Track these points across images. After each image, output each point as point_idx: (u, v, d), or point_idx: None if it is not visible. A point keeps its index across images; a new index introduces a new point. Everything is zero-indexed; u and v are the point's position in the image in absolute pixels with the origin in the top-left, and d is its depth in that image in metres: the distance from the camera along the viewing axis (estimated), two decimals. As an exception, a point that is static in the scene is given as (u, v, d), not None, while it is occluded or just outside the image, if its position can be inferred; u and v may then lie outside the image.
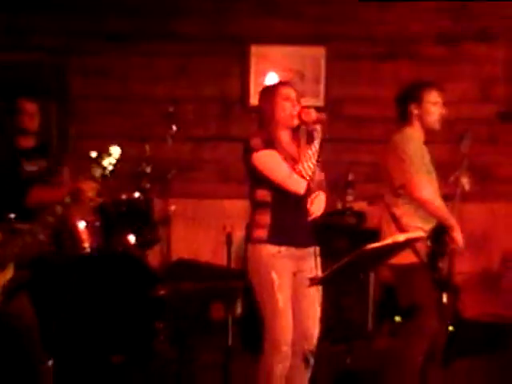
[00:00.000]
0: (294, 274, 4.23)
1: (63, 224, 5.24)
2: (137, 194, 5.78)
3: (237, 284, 5.29)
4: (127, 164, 5.96)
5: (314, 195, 4.22)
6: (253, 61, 6.82)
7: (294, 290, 4.21)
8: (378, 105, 6.82)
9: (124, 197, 5.72)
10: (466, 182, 4.92)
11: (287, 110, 4.22)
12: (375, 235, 4.79)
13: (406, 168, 4.57)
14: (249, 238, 4.26)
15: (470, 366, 5.36)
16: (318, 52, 6.86)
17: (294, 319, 4.17)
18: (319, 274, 4.21)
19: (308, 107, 4.22)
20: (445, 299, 4.68)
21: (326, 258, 4.41)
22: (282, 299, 4.14)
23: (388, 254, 4.14)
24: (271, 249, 4.17)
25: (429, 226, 4.58)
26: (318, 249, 4.32)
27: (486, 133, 6.77)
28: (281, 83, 4.49)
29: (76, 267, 5.26)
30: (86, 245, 5.41)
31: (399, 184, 4.60)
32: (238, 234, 4.97)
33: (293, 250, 4.21)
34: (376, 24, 6.87)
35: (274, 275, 4.15)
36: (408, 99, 4.75)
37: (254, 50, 6.82)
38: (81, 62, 6.72)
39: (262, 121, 4.30)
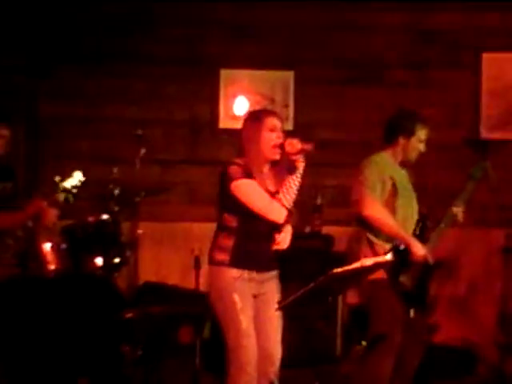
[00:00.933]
0: (255, 297, 4.23)
1: (28, 246, 5.20)
2: (105, 217, 5.75)
3: (205, 307, 5.26)
4: (95, 186, 6.02)
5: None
6: (222, 84, 6.83)
7: (255, 313, 4.21)
8: (347, 129, 6.87)
9: (91, 219, 5.69)
10: (459, 212, 4.93)
11: (271, 141, 4.17)
12: (343, 259, 4.81)
13: (360, 188, 4.72)
14: (211, 261, 4.25)
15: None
16: (287, 76, 6.90)
17: (256, 341, 4.16)
18: (278, 297, 4.24)
19: (292, 136, 4.18)
20: (412, 314, 4.71)
21: (294, 281, 4.42)
22: (245, 321, 4.13)
23: (356, 277, 4.16)
24: (233, 272, 4.16)
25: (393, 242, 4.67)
26: (277, 272, 4.34)
27: (453, 158, 6.82)
28: (267, 112, 4.40)
29: (41, 289, 5.21)
30: (52, 267, 5.35)
31: (352, 201, 4.77)
32: (206, 257, 4.97)
33: (254, 274, 4.21)
34: (345, 49, 6.92)
35: (236, 297, 4.14)
36: (400, 129, 4.83)
37: (224, 73, 6.84)
38: (50, 84, 6.69)
39: (242, 148, 4.23)
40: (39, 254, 5.30)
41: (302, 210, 6.21)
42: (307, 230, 6.40)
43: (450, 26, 6.93)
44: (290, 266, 5.81)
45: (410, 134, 4.82)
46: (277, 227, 4.22)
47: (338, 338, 5.86)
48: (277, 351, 4.27)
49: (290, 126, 6.82)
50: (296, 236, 6.02)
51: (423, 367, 4.94)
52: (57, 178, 3.84)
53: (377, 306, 4.71)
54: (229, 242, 4.18)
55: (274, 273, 4.33)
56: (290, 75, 6.89)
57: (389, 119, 4.95)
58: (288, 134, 4.24)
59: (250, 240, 4.20)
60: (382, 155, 4.87)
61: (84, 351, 5.23)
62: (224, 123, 6.84)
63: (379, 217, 4.69)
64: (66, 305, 5.22)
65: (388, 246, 4.67)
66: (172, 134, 6.83)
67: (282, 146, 4.16)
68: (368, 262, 3.95)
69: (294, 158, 4.14)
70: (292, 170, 4.16)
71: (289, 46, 6.89)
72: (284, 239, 4.29)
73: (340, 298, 5.77)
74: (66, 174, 4.03)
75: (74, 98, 6.77)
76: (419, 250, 4.64)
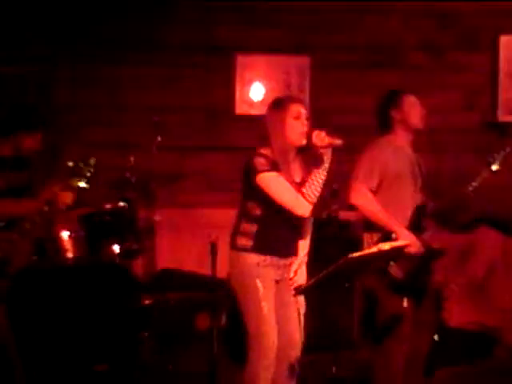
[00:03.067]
0: (277, 282, 4.23)
1: (46, 233, 5.22)
2: (122, 204, 5.76)
3: (222, 294, 5.28)
4: (112, 173, 6.04)
5: (295, 266, 4.28)
6: (238, 70, 6.82)
7: (277, 298, 4.21)
8: (363, 114, 6.81)
9: (108, 206, 5.70)
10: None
11: (297, 129, 4.12)
12: (360, 244, 4.81)
13: (354, 174, 4.71)
14: (233, 246, 4.24)
15: (453, 375, 5.35)
16: (304, 61, 6.88)
17: (278, 326, 4.17)
18: (304, 282, 4.23)
19: (320, 129, 4.10)
20: (405, 304, 4.68)
21: (312, 266, 4.41)
22: (267, 306, 4.14)
23: (373, 262, 4.16)
24: (255, 257, 4.16)
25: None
26: (305, 258, 4.33)
27: (470, 142, 6.79)
28: (291, 99, 4.29)
29: (60, 277, 5.23)
30: (70, 254, 5.38)
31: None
32: (223, 244, 4.97)
33: (276, 260, 4.20)
34: (361, 33, 6.89)
35: (258, 283, 4.15)
36: (388, 106, 4.79)
37: (240, 59, 6.82)
38: (67, 72, 6.70)
39: (267, 137, 4.17)
40: (57, 241, 5.34)
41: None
42: (324, 215, 6.38)
43: (468, 8, 6.89)
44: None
45: (398, 105, 4.78)
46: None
47: (356, 323, 5.86)
48: (298, 336, 4.28)
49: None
50: (313, 221, 6.06)
51: (440, 352, 4.94)
52: (70, 163, 3.83)
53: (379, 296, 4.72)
54: (252, 228, 4.17)
55: (295, 258, 4.32)
56: (306, 60, 6.87)
57: (375, 107, 4.91)
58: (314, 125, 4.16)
59: (273, 227, 4.19)
60: (390, 138, 4.82)
61: (102, 338, 5.26)
62: (240, 109, 6.83)
63: (365, 206, 4.66)
64: (84, 292, 5.25)
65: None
66: (189, 121, 6.83)
67: (308, 135, 4.10)
68: (385, 246, 3.94)
69: (321, 150, 4.08)
70: (318, 162, 4.10)
71: (305, 31, 6.87)
72: (301, 277, 4.31)
73: (357, 284, 5.77)
74: (80, 160, 4.03)
75: (91, 85, 6.77)
76: (407, 240, 4.54)
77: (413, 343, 4.70)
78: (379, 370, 4.71)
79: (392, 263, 4.58)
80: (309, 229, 4.41)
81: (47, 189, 3.95)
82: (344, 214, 6.37)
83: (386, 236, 4.60)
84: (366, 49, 6.90)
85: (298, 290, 4.15)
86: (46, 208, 3.72)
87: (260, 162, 4.10)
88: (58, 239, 5.34)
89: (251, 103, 6.80)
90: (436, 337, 5.06)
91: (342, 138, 4.10)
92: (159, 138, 6.14)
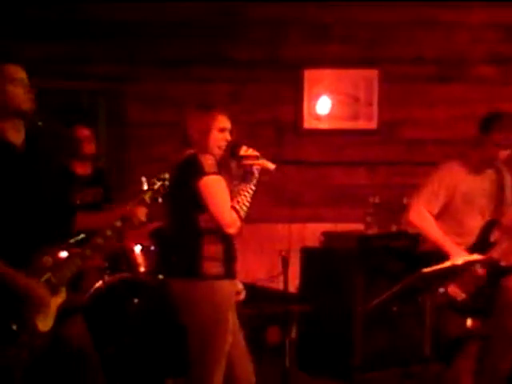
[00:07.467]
0: None
1: (119, 248, 5.31)
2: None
3: (292, 308, 5.29)
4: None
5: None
6: (306, 85, 6.83)
7: None
8: (431, 127, 6.81)
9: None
10: None
11: (219, 141, 3.92)
12: (429, 258, 4.77)
13: (419, 190, 4.79)
14: (198, 274, 3.79)
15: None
16: (371, 74, 6.86)
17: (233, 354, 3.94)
18: None
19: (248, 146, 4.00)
20: (469, 323, 4.63)
21: (380, 280, 4.40)
22: (228, 342, 3.86)
23: (447, 276, 4.14)
24: (229, 285, 3.87)
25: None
26: None
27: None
28: (218, 109, 4.04)
29: (136, 291, 5.29)
30: (142, 269, 5.46)
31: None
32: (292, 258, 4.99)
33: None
34: (428, 46, 6.86)
35: (229, 315, 3.84)
36: (490, 128, 4.75)
37: (307, 74, 6.83)
38: (136, 89, 6.79)
39: (188, 140, 3.93)
40: (130, 256, 5.42)
41: (388, 209, 6.26)
42: (393, 229, 6.35)
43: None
44: (376, 266, 5.83)
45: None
46: None
47: (426, 338, 5.81)
48: (249, 368, 4.09)
49: (374, 125, 6.80)
50: (382, 235, 6.05)
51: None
52: (144, 179, 3.88)
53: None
54: (218, 250, 3.83)
55: None
56: (373, 73, 6.86)
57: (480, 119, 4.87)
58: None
59: (231, 242, 3.92)
60: (454, 162, 4.79)
61: (173, 351, 5.30)
62: (308, 123, 6.85)
63: (419, 223, 4.73)
64: (158, 306, 5.29)
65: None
66: (256, 136, 6.85)
67: (235, 147, 3.95)
68: (459, 261, 3.92)
69: (250, 167, 3.93)
70: (247, 177, 3.94)
71: (372, 45, 6.86)
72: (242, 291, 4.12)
73: (428, 298, 5.72)
74: (154, 175, 4.08)
75: (159, 102, 6.85)
76: (457, 261, 4.50)
77: (490, 361, 4.64)
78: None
79: (451, 284, 4.53)
80: None
81: (122, 204, 4.02)
82: (413, 228, 6.36)
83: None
84: (434, 61, 6.86)
85: (367, 308, 4.10)
86: (118, 223, 3.75)
87: (208, 162, 3.78)
88: (131, 254, 5.42)
89: (319, 117, 6.82)
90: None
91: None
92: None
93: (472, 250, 4.65)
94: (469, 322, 4.62)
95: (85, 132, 5.52)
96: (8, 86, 3.61)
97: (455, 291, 4.56)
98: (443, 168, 4.79)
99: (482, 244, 4.68)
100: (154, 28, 6.82)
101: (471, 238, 4.71)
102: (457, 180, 4.72)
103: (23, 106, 3.60)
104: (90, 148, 5.51)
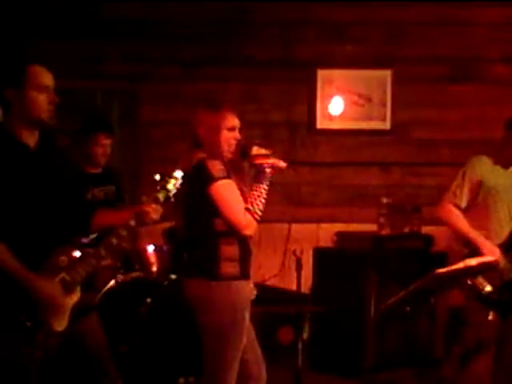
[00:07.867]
0: None
1: (132, 247, 5.31)
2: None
3: (305, 308, 5.29)
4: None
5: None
6: (319, 85, 6.82)
7: None
8: (445, 128, 6.79)
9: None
10: None
11: (229, 140, 3.92)
12: (443, 259, 4.78)
13: (450, 187, 4.83)
14: (215, 276, 3.81)
15: None
16: (384, 75, 6.85)
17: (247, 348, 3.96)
18: None
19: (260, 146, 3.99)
20: (490, 317, 4.64)
21: (394, 281, 4.40)
22: (244, 340, 3.88)
23: (460, 278, 4.13)
24: (246, 286, 3.90)
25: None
26: None
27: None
28: (228, 108, 4.04)
29: (152, 291, 5.30)
30: (155, 269, 5.46)
31: None
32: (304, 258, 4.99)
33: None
34: (442, 45, 6.84)
35: (246, 315, 3.87)
36: None
37: (321, 74, 6.83)
38: (150, 89, 6.80)
39: (200, 142, 3.95)
40: (143, 256, 5.43)
41: (401, 209, 6.25)
42: (406, 229, 6.35)
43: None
44: (389, 266, 5.83)
45: None
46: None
47: (439, 339, 5.81)
48: (262, 366, 4.11)
49: (387, 126, 6.79)
50: (395, 236, 6.04)
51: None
52: (157, 177, 3.86)
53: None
54: (234, 251, 3.85)
55: None
56: (387, 74, 6.84)
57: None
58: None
59: (247, 245, 3.94)
60: (481, 157, 4.84)
61: (186, 351, 5.31)
62: (321, 123, 6.84)
63: (449, 218, 4.77)
64: (173, 306, 5.30)
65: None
66: (270, 135, 6.85)
67: (246, 148, 3.95)
68: (472, 262, 3.92)
69: (261, 167, 3.93)
70: (259, 177, 3.94)
71: (386, 45, 6.85)
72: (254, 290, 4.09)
73: (440, 299, 5.72)
74: (167, 173, 4.07)
75: (173, 101, 6.86)
76: (490, 253, 4.54)
77: (507, 360, 4.65)
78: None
79: (479, 276, 4.55)
80: None
81: (136, 203, 4.02)
82: (426, 229, 6.35)
83: (474, 251, 4.58)
84: (448, 61, 6.84)
85: (380, 309, 4.10)
86: (132, 222, 3.75)
87: (216, 167, 3.79)
88: (144, 253, 5.43)
89: (332, 117, 6.81)
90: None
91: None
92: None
93: (501, 249, 4.68)
94: (490, 315, 4.63)
95: (107, 141, 5.48)
96: (31, 92, 3.45)
97: (482, 283, 4.58)
98: (470, 162, 4.84)
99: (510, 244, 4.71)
100: (167, 28, 6.84)
101: (499, 232, 4.74)
102: (483, 174, 4.76)
103: (43, 116, 3.46)
104: (104, 154, 5.47)
